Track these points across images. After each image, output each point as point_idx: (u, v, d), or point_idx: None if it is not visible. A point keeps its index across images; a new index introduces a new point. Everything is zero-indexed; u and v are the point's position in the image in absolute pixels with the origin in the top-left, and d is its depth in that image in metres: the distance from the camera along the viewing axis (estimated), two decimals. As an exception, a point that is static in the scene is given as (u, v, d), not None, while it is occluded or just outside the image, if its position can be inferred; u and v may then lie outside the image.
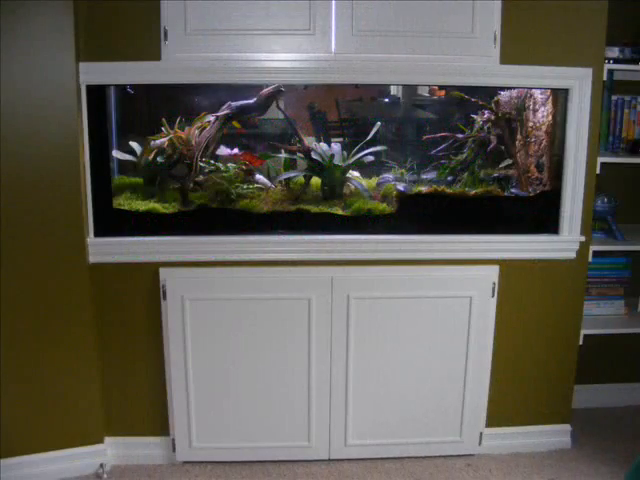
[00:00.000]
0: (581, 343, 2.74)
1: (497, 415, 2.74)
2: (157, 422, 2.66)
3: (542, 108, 2.68)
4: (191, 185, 2.64)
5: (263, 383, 2.59)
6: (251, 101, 2.62)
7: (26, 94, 2.27)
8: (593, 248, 2.66)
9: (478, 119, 2.79)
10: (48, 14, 2.23)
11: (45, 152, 2.32)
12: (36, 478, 2.53)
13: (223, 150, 2.73)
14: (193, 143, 2.61)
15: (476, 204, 2.65)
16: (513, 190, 2.75)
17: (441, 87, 2.81)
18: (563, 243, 2.61)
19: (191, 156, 2.59)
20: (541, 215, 2.65)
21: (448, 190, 2.66)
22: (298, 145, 2.73)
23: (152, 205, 2.56)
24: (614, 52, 2.56)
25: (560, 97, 2.54)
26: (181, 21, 2.30)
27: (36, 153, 2.32)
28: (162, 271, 2.49)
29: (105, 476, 2.59)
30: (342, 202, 2.67)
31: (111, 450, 2.66)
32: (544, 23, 2.41)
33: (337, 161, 2.70)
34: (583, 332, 2.73)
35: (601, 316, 2.89)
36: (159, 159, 2.63)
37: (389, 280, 2.55)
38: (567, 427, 2.82)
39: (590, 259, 2.65)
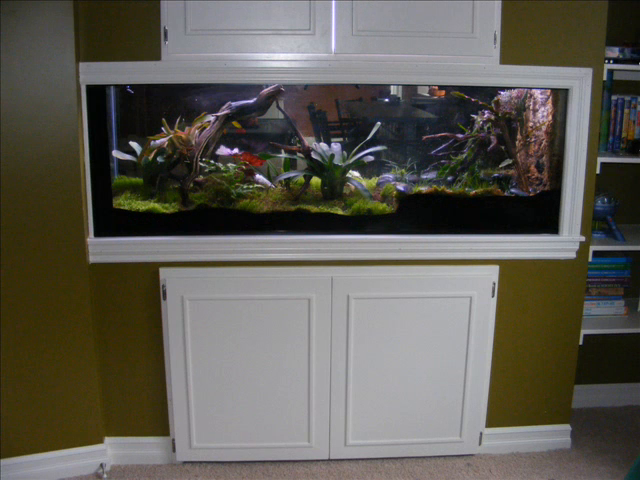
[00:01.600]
0: (581, 343, 2.74)
1: (497, 415, 2.75)
2: (157, 422, 2.66)
3: (542, 108, 2.68)
4: (191, 185, 2.63)
5: (263, 383, 2.59)
6: (251, 101, 2.62)
7: (26, 94, 2.27)
8: (593, 248, 2.66)
9: (478, 119, 2.79)
10: (48, 14, 2.23)
11: (45, 152, 2.32)
12: (36, 478, 2.53)
13: (223, 150, 2.73)
14: (193, 143, 2.61)
15: (476, 204, 2.65)
16: (513, 190, 2.75)
17: (441, 87, 2.81)
18: (563, 243, 2.61)
19: (191, 156, 2.59)
20: (541, 215, 2.65)
21: (448, 190, 2.66)
22: (298, 145, 2.73)
23: (152, 205, 2.56)
24: (614, 52, 2.56)
25: (560, 97, 2.54)
26: (181, 21, 2.30)
27: (36, 153, 2.32)
28: (162, 271, 2.49)
29: (105, 476, 2.59)
30: (342, 202, 2.67)
31: (111, 450, 2.66)
32: (544, 23, 2.41)
33: (337, 161, 2.70)
34: (583, 332, 2.74)
35: (601, 316, 2.89)
36: (159, 159, 2.63)
37: (389, 280, 2.55)
38: (567, 427, 2.82)
39: (590, 259, 2.66)
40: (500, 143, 2.76)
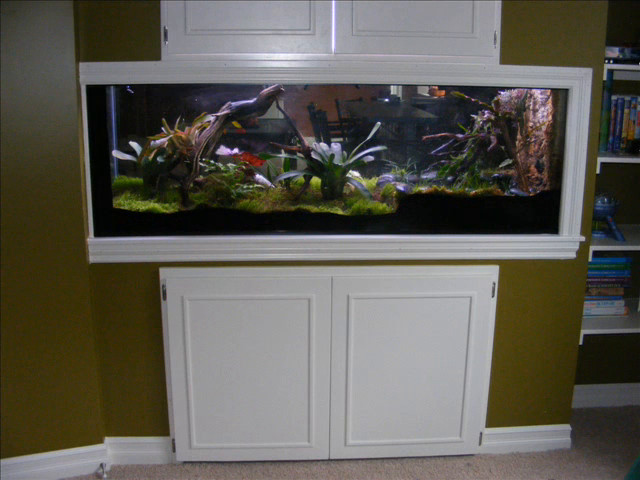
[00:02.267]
0: (581, 343, 2.74)
1: (497, 415, 2.75)
2: (157, 422, 2.66)
3: (542, 108, 2.68)
4: (191, 185, 2.64)
5: (263, 383, 2.59)
6: (251, 101, 2.62)
7: (26, 94, 2.27)
8: (593, 248, 2.66)
9: (478, 119, 2.79)
10: (48, 14, 2.23)
11: (45, 152, 2.32)
12: (36, 478, 2.53)
13: (223, 150, 2.73)
14: (193, 143, 2.61)
15: (476, 204, 2.65)
16: (513, 190, 2.75)
17: (441, 87, 2.81)
18: (563, 243, 2.61)
19: (191, 156, 2.59)
20: (541, 215, 2.65)
21: (448, 190, 2.66)
22: (298, 145, 2.73)
23: (152, 205, 2.56)
24: (614, 52, 2.56)
25: (560, 97, 2.54)
26: (181, 21, 2.30)
27: (36, 153, 2.32)
28: (162, 271, 2.49)
29: (105, 476, 2.59)
30: (342, 202, 2.67)
31: (111, 450, 2.66)
32: (544, 23, 2.41)
33: (337, 161, 2.70)
34: (583, 332, 2.74)
35: (601, 316, 2.89)
36: (159, 159, 2.63)
37: (389, 280, 2.55)
38: (567, 427, 2.82)
39: (590, 259, 2.66)
40: (500, 143, 2.76)
